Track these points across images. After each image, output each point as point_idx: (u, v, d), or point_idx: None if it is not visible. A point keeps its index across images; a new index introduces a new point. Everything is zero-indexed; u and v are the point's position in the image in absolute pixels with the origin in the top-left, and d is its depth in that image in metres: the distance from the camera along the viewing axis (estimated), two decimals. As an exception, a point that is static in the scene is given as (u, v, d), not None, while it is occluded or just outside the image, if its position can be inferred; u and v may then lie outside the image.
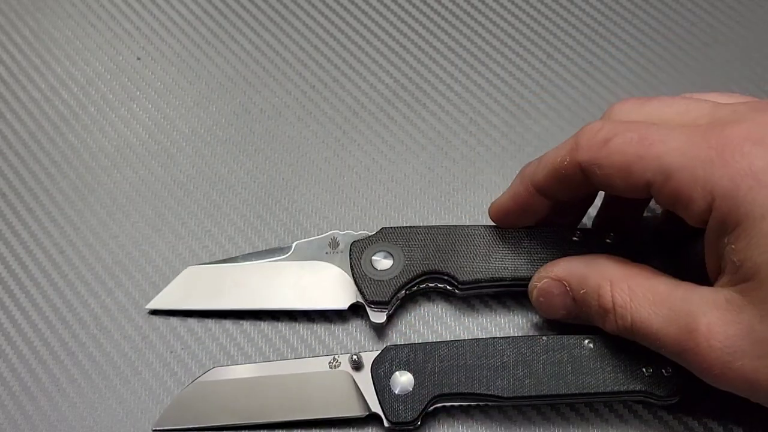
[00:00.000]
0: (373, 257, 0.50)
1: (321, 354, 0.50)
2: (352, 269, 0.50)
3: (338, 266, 0.51)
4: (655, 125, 0.42)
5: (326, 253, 0.51)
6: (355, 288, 0.50)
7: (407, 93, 0.60)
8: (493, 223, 0.50)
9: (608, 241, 0.49)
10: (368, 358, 0.47)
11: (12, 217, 0.56)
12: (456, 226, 0.51)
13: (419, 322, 0.51)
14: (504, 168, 0.56)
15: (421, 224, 0.54)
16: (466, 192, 0.56)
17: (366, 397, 0.47)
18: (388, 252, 0.50)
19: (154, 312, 0.52)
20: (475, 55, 0.62)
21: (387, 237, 0.51)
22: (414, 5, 0.64)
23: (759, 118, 0.41)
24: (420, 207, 0.55)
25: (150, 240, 0.55)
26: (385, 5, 0.64)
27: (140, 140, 0.59)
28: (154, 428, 0.48)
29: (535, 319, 0.51)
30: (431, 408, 0.47)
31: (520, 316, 0.51)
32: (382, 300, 0.49)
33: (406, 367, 0.46)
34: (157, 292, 0.53)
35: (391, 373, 0.46)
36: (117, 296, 0.53)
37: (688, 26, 0.62)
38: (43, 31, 0.65)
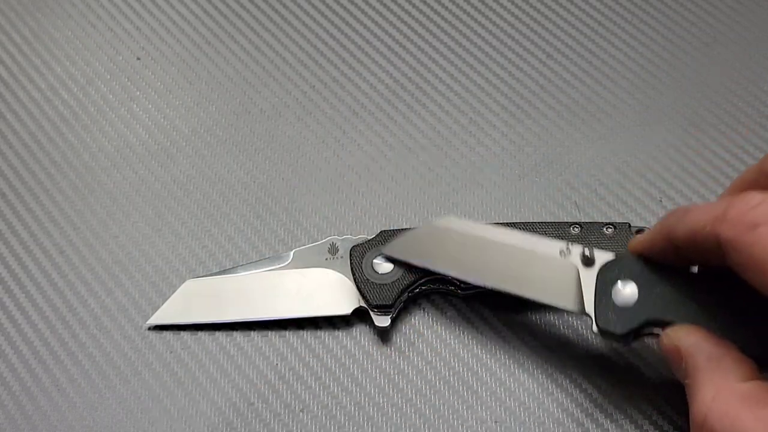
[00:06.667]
0: (374, 261, 0.50)
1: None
2: (353, 274, 0.50)
3: (339, 272, 0.51)
4: None
5: (326, 259, 0.51)
6: (357, 293, 0.50)
7: (407, 93, 0.60)
8: (491, 221, 0.49)
9: (607, 232, 0.49)
10: (600, 258, 0.45)
11: (12, 217, 0.56)
12: None
13: (421, 323, 0.51)
14: (504, 168, 0.56)
15: (421, 225, 0.54)
16: (466, 192, 0.56)
17: (585, 295, 0.44)
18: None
19: (155, 328, 0.52)
20: (475, 55, 0.62)
21: (387, 240, 0.51)
22: (414, 5, 0.64)
23: None
24: (420, 207, 0.55)
25: (150, 240, 0.55)
26: (385, 5, 0.64)
27: (140, 140, 0.59)
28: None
29: (536, 319, 0.51)
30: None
31: (520, 315, 0.51)
32: (385, 304, 0.49)
33: (631, 277, 0.44)
34: (157, 292, 0.53)
35: (615, 281, 0.44)
36: (117, 296, 0.53)
37: (688, 26, 0.62)
38: (43, 31, 0.65)
